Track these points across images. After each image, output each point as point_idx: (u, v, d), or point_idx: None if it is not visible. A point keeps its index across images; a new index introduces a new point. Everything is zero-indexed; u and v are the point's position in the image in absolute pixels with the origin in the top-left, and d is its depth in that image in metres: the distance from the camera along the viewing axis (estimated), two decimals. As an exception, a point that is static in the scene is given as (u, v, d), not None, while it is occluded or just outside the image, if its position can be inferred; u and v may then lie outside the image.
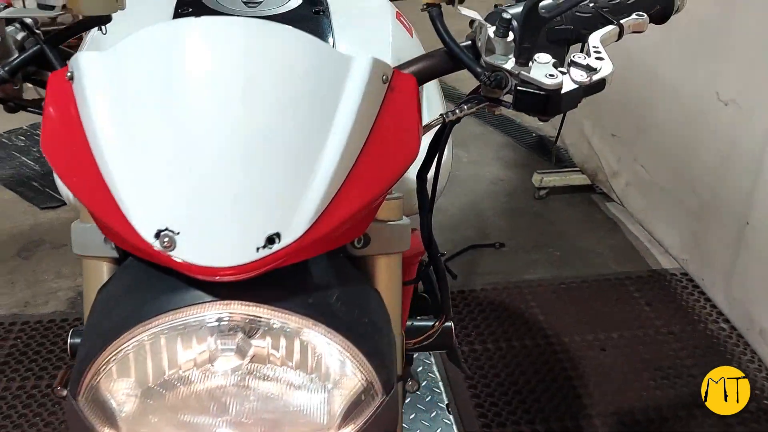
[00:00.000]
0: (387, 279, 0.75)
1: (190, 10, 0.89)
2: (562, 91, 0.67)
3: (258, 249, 0.56)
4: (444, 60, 0.74)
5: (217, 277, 0.56)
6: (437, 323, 1.08)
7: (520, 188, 3.09)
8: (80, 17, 0.68)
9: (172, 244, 0.56)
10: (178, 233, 0.56)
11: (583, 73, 0.68)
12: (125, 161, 0.58)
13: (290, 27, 0.62)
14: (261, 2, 0.92)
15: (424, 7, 0.72)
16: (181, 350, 0.61)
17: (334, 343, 0.63)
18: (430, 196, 0.82)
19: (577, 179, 3.04)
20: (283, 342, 0.62)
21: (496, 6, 0.76)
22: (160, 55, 0.59)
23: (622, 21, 0.76)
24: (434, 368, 1.89)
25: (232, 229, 0.56)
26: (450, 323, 1.18)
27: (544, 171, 3.04)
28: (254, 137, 0.57)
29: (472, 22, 0.74)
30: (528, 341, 2.26)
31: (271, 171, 0.57)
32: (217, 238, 0.56)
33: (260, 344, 0.62)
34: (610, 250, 2.72)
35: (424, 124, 0.73)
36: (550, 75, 0.67)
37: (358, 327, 0.65)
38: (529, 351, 2.22)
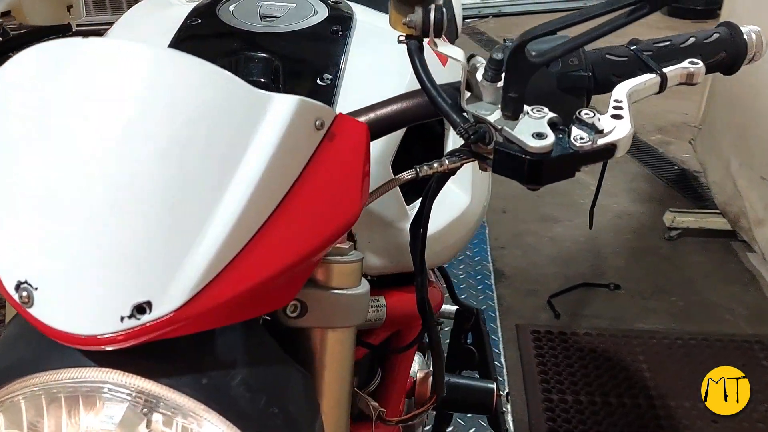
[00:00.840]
0: (330, 358, 0.64)
1: (200, 21, 0.82)
2: (553, 155, 0.53)
3: (123, 319, 0.48)
4: (422, 104, 0.62)
5: (77, 345, 0.49)
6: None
7: (648, 225, 2.82)
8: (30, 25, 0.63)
9: (30, 300, 0.49)
10: (36, 288, 0.49)
11: (585, 135, 0.54)
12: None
13: (204, 61, 0.52)
14: (279, 17, 0.84)
15: (401, 39, 0.60)
16: (63, 414, 0.54)
17: None
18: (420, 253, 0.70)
19: (716, 223, 2.72)
20: (178, 424, 0.53)
21: (504, 41, 0.63)
22: (35, 82, 0.52)
23: (666, 69, 0.61)
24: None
25: (95, 292, 0.48)
26: (493, 385, 1.04)
27: (679, 210, 2.76)
28: (131, 187, 0.48)
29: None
30: (627, 399, 2.03)
31: (148, 229, 0.48)
32: (77, 300, 0.48)
33: (157, 420, 0.54)
34: (743, 307, 2.40)
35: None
36: (538, 134, 0.53)
37: (263, 418, 0.54)
38: (627, 410, 1.99)
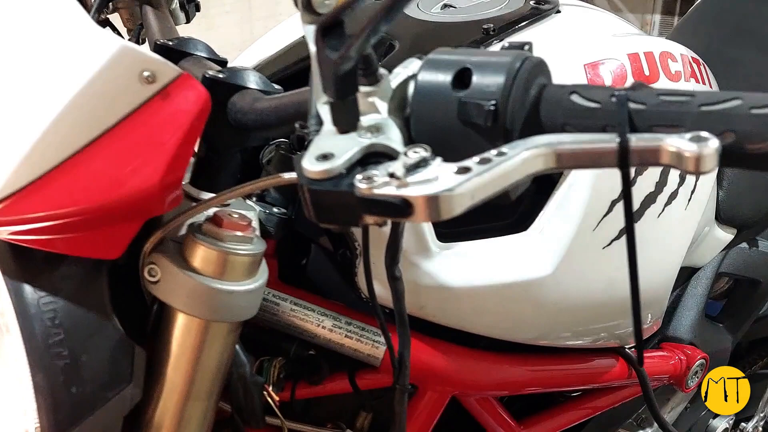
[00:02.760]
0: (180, 343, 0.62)
1: None
2: (326, 188, 0.43)
3: None
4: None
5: None
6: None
7: None
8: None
9: None
10: None
11: (375, 176, 0.42)
12: None
13: None
14: (467, 6, 0.82)
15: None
16: None
17: None
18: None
19: None
20: None
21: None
22: None
23: (638, 137, 0.42)
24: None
25: None
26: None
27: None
28: None
29: None
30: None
31: None
32: None
33: None
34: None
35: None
36: (323, 156, 0.44)
37: (49, 352, 0.56)
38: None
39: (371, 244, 0.67)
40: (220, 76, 0.63)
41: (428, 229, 0.71)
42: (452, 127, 0.48)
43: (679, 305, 1.22)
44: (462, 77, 0.47)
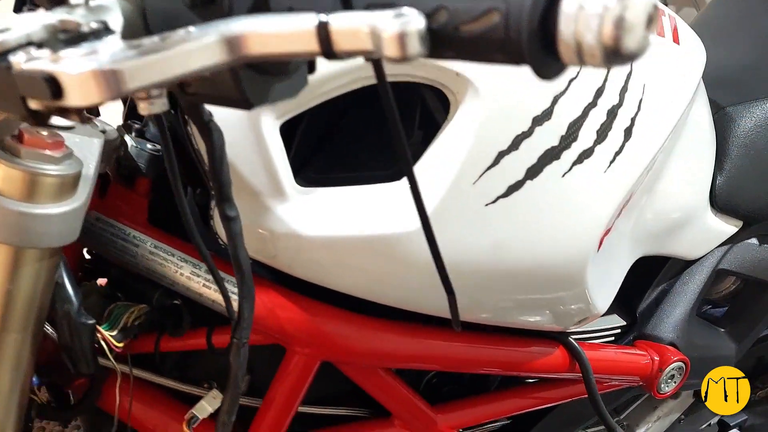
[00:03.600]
0: None
1: None
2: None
3: None
4: None
5: None
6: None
7: None
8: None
9: None
10: None
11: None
12: None
13: None
14: None
15: None
16: None
17: None
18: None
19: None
20: None
21: None
22: None
23: None
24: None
25: None
26: None
27: None
28: None
29: None
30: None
31: None
32: None
33: None
34: None
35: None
36: None
37: None
38: None
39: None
40: None
41: (284, 169, 0.63)
42: (180, 14, 0.41)
43: (663, 301, 1.09)
44: None
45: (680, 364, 1.03)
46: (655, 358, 1.02)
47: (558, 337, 0.89)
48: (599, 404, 0.90)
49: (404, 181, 0.65)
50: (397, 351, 0.74)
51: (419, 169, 0.64)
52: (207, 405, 0.72)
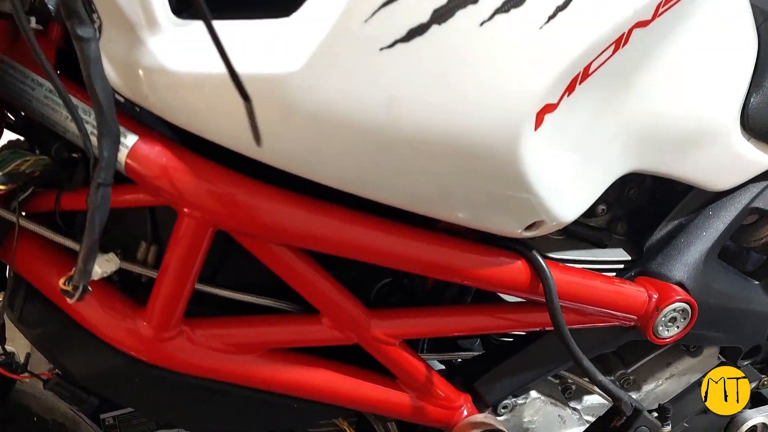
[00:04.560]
0: None
1: None
2: None
3: None
4: None
5: None
6: None
7: None
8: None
9: None
10: None
11: None
12: None
13: None
14: None
15: None
16: None
17: None
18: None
19: None
20: None
21: None
22: None
23: None
24: None
25: None
26: None
27: None
28: None
29: None
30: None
31: None
32: None
33: None
34: None
35: None
36: None
37: None
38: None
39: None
40: None
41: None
42: None
43: (677, 236, 0.94)
44: None
45: (684, 305, 0.89)
46: (654, 295, 0.88)
47: (517, 249, 0.78)
48: (564, 334, 0.79)
49: (294, 17, 0.57)
50: (298, 226, 0.66)
51: (312, 1, 0.56)
52: (96, 266, 0.67)
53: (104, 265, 0.69)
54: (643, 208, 0.98)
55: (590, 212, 0.92)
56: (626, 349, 1.08)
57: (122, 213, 0.74)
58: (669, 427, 0.99)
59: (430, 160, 0.62)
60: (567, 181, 0.72)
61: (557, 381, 1.03)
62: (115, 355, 0.72)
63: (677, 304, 0.88)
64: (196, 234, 0.66)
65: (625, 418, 0.84)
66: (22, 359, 0.90)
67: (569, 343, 0.79)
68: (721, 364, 1.07)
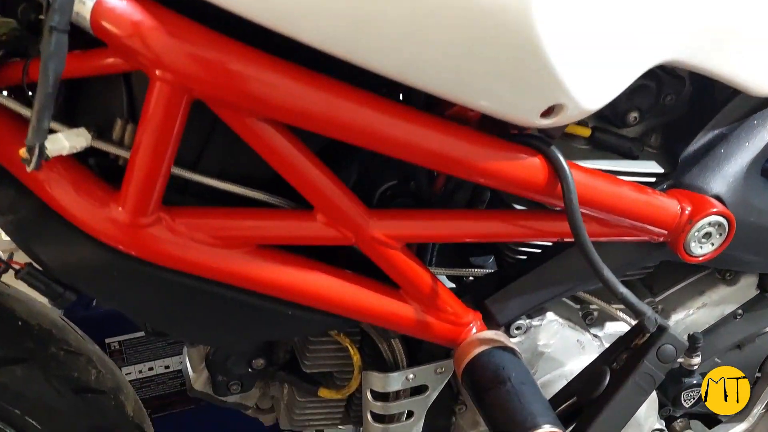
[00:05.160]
0: None
1: None
2: None
3: None
4: None
5: None
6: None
7: None
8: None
9: None
10: None
11: None
12: None
13: None
14: None
15: None
16: None
17: None
18: None
19: None
20: None
21: None
22: None
23: None
24: None
25: None
26: None
27: None
28: None
29: None
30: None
31: None
32: None
33: None
34: None
35: None
36: None
37: None
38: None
39: None
40: None
41: None
42: None
43: (716, 147, 0.85)
44: None
45: (720, 219, 0.80)
46: (687, 207, 0.80)
47: (534, 143, 0.70)
48: (583, 237, 0.71)
49: None
50: (284, 96, 0.59)
51: None
52: (63, 138, 0.61)
53: (73, 140, 0.62)
54: (681, 118, 0.88)
55: (621, 121, 0.84)
56: (655, 277, 1.00)
57: (96, 89, 0.68)
58: (699, 359, 0.92)
59: (436, 21, 0.54)
60: (589, 60, 0.63)
61: (578, 306, 0.96)
62: (89, 244, 0.67)
63: (713, 218, 0.79)
64: (170, 102, 0.59)
65: (648, 335, 0.76)
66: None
67: (588, 249, 0.71)
68: (761, 294, 0.99)
